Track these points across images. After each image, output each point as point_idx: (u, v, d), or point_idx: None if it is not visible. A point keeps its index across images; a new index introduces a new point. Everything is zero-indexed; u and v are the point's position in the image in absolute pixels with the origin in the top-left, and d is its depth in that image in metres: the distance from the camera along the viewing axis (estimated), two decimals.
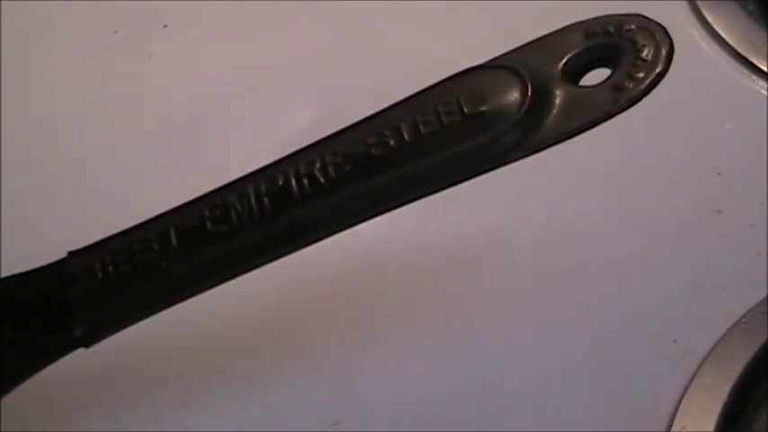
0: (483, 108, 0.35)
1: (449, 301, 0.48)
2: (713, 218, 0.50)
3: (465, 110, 0.35)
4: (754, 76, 0.54)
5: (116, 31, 0.60)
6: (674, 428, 0.42)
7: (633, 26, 0.35)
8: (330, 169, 0.36)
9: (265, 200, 0.36)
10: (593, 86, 0.35)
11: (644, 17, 0.35)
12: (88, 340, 0.37)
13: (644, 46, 0.35)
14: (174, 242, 0.37)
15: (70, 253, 0.39)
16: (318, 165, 0.36)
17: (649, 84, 0.34)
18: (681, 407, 0.43)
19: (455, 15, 0.59)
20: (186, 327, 0.45)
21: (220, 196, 0.37)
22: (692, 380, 0.44)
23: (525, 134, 0.34)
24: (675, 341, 0.46)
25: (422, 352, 0.47)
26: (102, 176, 0.54)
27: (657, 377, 0.45)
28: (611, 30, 0.36)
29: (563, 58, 0.35)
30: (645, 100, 0.34)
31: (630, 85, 0.34)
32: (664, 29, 0.35)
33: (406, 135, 0.35)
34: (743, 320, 0.45)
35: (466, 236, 0.50)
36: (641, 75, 0.34)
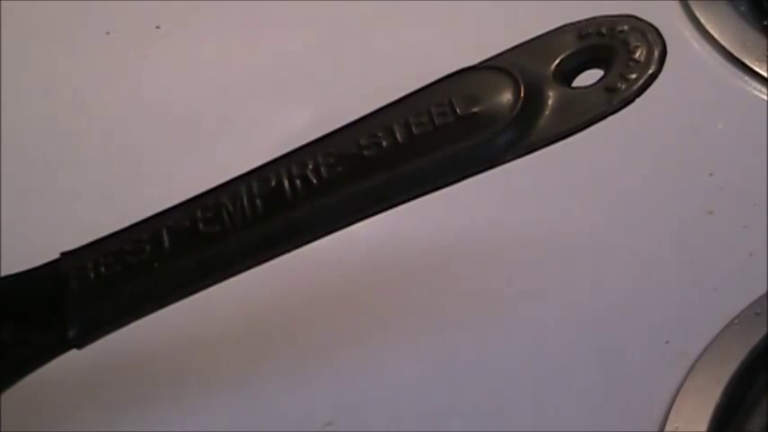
0: (475, 109, 0.35)
1: (443, 302, 0.48)
2: (706, 218, 0.50)
3: (457, 111, 0.35)
4: (746, 77, 0.54)
5: (108, 33, 0.60)
6: (666, 429, 0.42)
7: (626, 27, 0.35)
8: (323, 170, 0.36)
9: (258, 201, 0.36)
10: (586, 87, 0.35)
11: (636, 18, 0.35)
12: (81, 341, 0.37)
13: (636, 47, 0.35)
14: (167, 243, 0.37)
15: (63, 254, 0.39)
16: (311, 166, 0.36)
17: (642, 85, 0.34)
18: (674, 408, 0.43)
19: (454, 15, 0.59)
20: (180, 327, 0.45)
21: (213, 197, 0.37)
22: (684, 381, 0.44)
23: (518, 135, 0.34)
24: (668, 342, 0.46)
25: (416, 352, 0.47)
26: (96, 177, 0.54)
27: (650, 378, 0.45)
28: (604, 31, 0.36)
29: (556, 59, 0.36)
30: (637, 101, 0.34)
31: (623, 86, 0.34)
32: (656, 30, 0.35)
33: (398, 136, 0.35)
34: (736, 321, 0.45)
35: (460, 237, 0.50)
36: (634, 76, 0.34)
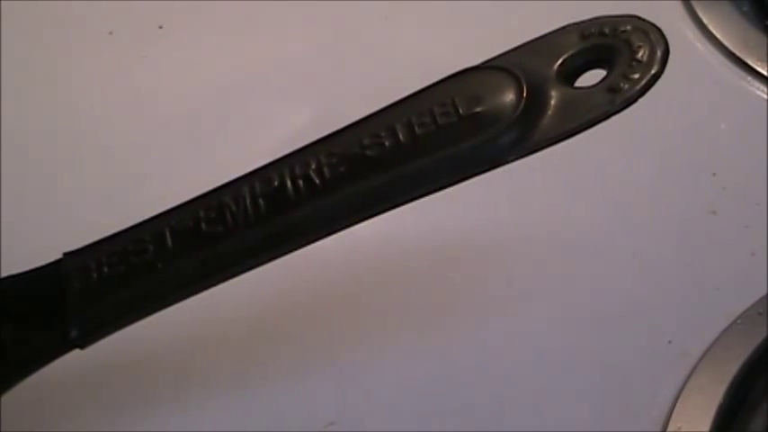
0: (478, 109, 0.35)
1: (443, 302, 0.48)
2: (708, 218, 0.50)
3: (460, 111, 0.35)
4: (749, 77, 0.54)
5: (111, 32, 0.60)
6: (669, 429, 0.42)
7: (628, 27, 0.35)
8: (325, 170, 0.36)
9: (260, 201, 0.36)
10: (589, 87, 0.35)
11: (639, 18, 0.35)
12: (83, 341, 0.37)
13: (639, 47, 0.35)
14: (170, 243, 0.37)
15: (65, 254, 0.39)
16: (314, 166, 0.36)
17: (645, 85, 0.34)
18: (676, 408, 0.43)
19: (455, 15, 0.59)
20: (181, 327, 0.45)
21: (216, 197, 0.37)
22: (687, 381, 0.44)
23: (520, 135, 0.34)
24: (671, 342, 0.46)
25: (417, 352, 0.47)
26: (98, 177, 0.54)
27: (653, 378, 0.45)
28: (607, 31, 0.36)
29: (558, 59, 0.36)
30: (640, 101, 0.34)
31: (626, 86, 0.34)
32: (659, 30, 0.35)
33: (401, 136, 0.35)
34: (738, 321, 0.45)
35: (460, 237, 0.50)
36: (636, 76, 0.34)
